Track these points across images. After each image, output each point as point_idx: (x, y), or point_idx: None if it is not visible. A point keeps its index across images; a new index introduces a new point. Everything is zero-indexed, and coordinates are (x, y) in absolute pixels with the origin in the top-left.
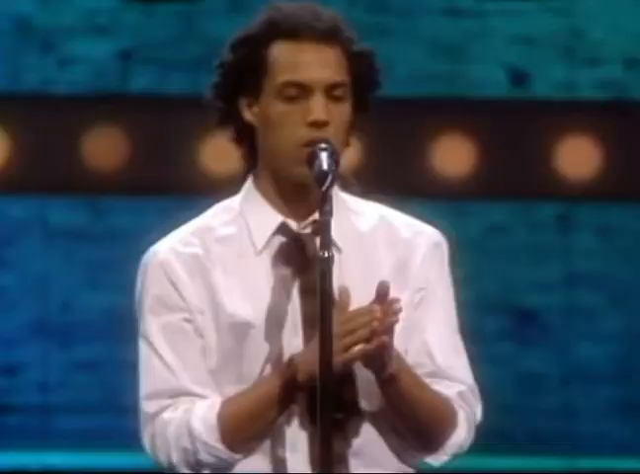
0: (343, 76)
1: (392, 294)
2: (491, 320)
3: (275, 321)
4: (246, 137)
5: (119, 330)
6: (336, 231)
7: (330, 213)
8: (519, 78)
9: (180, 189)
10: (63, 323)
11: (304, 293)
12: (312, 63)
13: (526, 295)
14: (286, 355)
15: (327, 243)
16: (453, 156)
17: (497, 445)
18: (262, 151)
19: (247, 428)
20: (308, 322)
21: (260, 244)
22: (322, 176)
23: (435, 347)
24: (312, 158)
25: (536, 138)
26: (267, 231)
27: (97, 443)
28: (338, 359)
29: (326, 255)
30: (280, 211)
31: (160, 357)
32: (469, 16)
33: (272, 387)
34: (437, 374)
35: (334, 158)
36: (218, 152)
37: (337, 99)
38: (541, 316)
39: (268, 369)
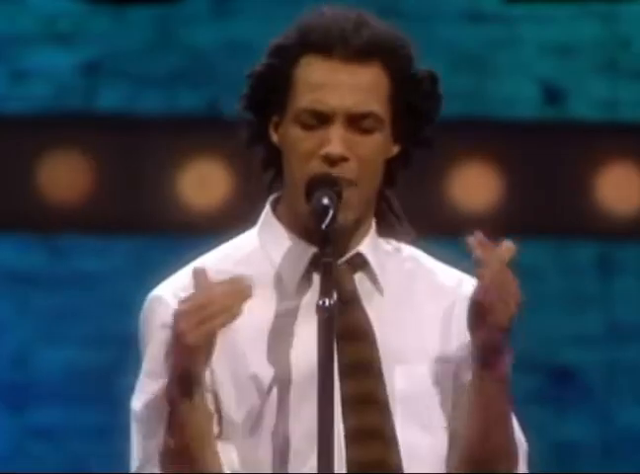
0: (374, 104)
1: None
2: (521, 380)
3: (308, 374)
4: (273, 161)
5: (81, 391)
6: (377, 271)
7: (331, 255)
8: (553, 95)
9: (154, 225)
10: (15, 383)
11: (342, 338)
12: (338, 87)
13: (563, 351)
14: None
15: (330, 289)
16: (476, 187)
17: None
18: (284, 179)
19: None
20: (347, 372)
21: (291, 281)
22: (322, 211)
23: None
24: (310, 190)
25: (573, 166)
26: (298, 266)
27: None
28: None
29: (327, 303)
30: (312, 243)
31: (138, 432)
32: (495, 22)
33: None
34: None
35: (336, 192)
36: (200, 182)
37: (365, 131)
38: (580, 375)
39: (302, 440)
